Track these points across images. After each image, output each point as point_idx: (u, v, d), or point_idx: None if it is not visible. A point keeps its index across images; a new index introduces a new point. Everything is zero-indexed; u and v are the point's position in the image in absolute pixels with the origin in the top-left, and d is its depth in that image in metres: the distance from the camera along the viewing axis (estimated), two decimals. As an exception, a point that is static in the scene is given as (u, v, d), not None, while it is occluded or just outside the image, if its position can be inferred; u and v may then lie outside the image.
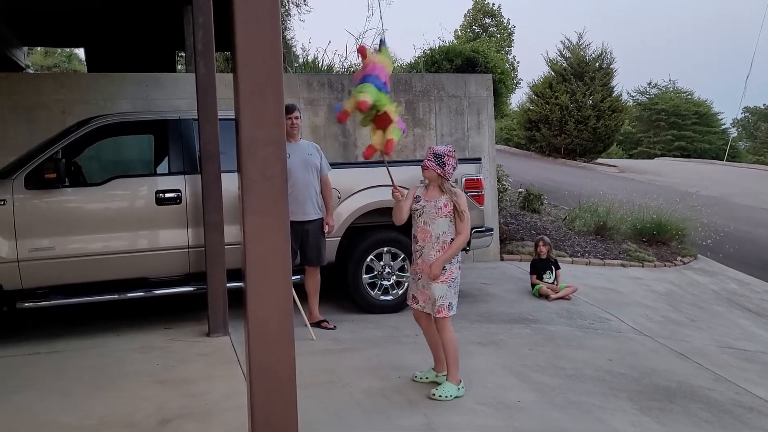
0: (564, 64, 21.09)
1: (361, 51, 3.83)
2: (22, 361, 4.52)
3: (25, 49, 14.63)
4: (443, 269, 3.91)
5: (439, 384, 4.01)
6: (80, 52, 21.42)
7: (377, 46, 4.06)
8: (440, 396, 3.89)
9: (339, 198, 5.60)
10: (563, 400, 4.02)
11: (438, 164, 3.91)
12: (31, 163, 4.88)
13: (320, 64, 10.16)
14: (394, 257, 5.82)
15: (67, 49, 23.01)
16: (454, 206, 3.92)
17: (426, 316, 4.07)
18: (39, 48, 21.31)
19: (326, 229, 5.29)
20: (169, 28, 10.03)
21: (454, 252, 3.91)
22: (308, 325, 5.11)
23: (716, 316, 6.95)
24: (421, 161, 4.06)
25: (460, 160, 4.38)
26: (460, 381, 4.01)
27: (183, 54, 12.92)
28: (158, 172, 5.37)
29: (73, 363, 4.46)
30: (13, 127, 6.55)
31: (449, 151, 3.96)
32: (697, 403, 4.21)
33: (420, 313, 4.10)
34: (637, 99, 34.60)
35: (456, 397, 3.92)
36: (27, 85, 6.79)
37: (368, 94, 3.59)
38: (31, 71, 15.37)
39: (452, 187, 4.00)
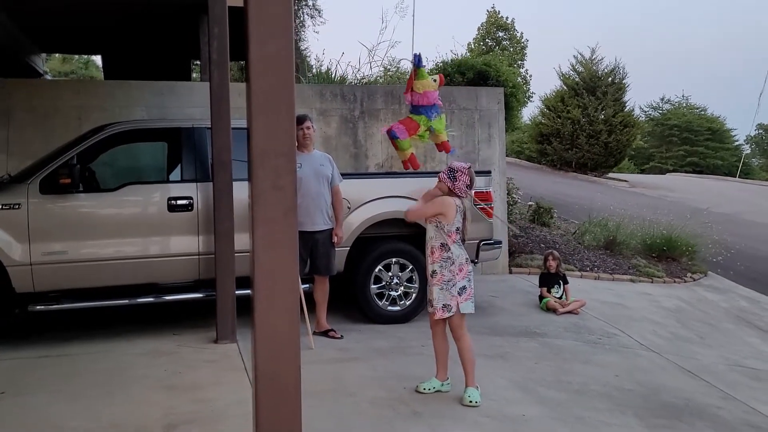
0: (576, 79, 21.08)
1: (441, 79, 4.90)
2: (32, 363, 4.56)
3: (44, 55, 14.80)
4: (434, 273, 4.04)
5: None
6: (97, 59, 21.63)
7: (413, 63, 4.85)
8: (473, 401, 3.99)
9: (349, 208, 5.64)
10: (569, 415, 4.01)
11: (449, 178, 4.02)
12: (47, 168, 4.96)
13: (333, 75, 10.23)
14: (402, 268, 5.83)
15: (85, 56, 23.26)
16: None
17: (442, 322, 4.15)
18: (57, 55, 21.55)
19: (335, 239, 5.31)
20: (185, 37, 10.13)
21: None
22: (309, 334, 5.08)
23: (726, 333, 6.90)
24: (431, 173, 4.13)
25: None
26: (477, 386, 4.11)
27: (198, 63, 13.04)
28: (171, 180, 5.42)
29: (82, 367, 4.50)
30: (30, 132, 6.65)
31: (464, 167, 4.07)
32: (704, 422, 4.19)
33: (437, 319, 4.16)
34: (650, 114, 34.49)
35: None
36: (44, 92, 6.89)
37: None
38: (49, 77, 15.55)
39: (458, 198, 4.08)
